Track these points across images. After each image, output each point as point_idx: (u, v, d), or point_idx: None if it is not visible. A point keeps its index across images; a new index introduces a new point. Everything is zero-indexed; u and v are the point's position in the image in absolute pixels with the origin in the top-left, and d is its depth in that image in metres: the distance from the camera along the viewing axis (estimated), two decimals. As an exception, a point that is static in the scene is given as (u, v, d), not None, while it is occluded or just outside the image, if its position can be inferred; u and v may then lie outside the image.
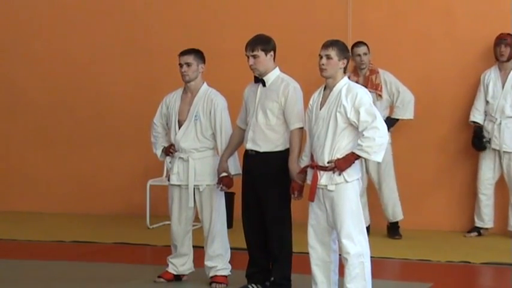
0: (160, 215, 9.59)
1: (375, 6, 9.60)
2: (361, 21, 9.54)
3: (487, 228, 9.04)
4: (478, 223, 9.03)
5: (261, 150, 6.58)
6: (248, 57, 6.57)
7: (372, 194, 9.13)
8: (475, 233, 9.02)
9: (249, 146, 6.65)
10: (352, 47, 8.87)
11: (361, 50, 8.90)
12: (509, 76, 8.87)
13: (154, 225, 9.57)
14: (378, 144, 5.80)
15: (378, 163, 8.77)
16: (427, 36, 9.43)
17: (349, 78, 8.82)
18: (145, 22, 10.35)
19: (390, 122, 8.86)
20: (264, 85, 6.61)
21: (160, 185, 9.55)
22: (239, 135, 6.82)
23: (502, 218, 9.05)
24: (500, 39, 8.87)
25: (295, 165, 6.37)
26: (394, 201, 8.98)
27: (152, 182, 9.62)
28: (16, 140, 10.86)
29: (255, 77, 6.67)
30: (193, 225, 7.29)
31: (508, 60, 8.87)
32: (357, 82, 8.86)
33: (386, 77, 8.95)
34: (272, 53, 6.61)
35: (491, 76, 8.93)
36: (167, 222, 9.57)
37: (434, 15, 9.45)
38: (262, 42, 6.57)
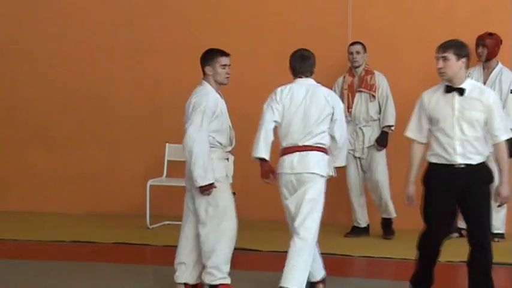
0: (160, 215, 9.60)
1: (375, 6, 9.61)
2: (361, 21, 9.55)
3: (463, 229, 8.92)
4: (459, 223, 8.92)
5: (474, 162, 6.25)
6: (437, 60, 6.35)
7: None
8: (456, 234, 8.74)
9: (459, 160, 6.30)
10: (348, 47, 8.98)
11: (354, 48, 8.94)
12: (491, 75, 8.88)
13: (154, 225, 9.57)
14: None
15: (371, 160, 8.92)
16: (427, 36, 9.41)
17: (344, 78, 8.99)
18: (145, 22, 10.35)
19: (384, 137, 8.93)
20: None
21: (160, 185, 9.55)
22: (421, 152, 6.56)
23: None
24: (478, 40, 8.89)
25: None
26: (387, 198, 9.00)
27: (152, 182, 9.61)
28: (16, 140, 10.86)
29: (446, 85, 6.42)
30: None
31: (486, 60, 8.89)
32: (352, 82, 8.94)
33: (380, 80, 8.95)
34: (465, 59, 6.35)
35: (474, 74, 8.88)
36: (167, 222, 9.60)
37: (434, 14, 9.46)
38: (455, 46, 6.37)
